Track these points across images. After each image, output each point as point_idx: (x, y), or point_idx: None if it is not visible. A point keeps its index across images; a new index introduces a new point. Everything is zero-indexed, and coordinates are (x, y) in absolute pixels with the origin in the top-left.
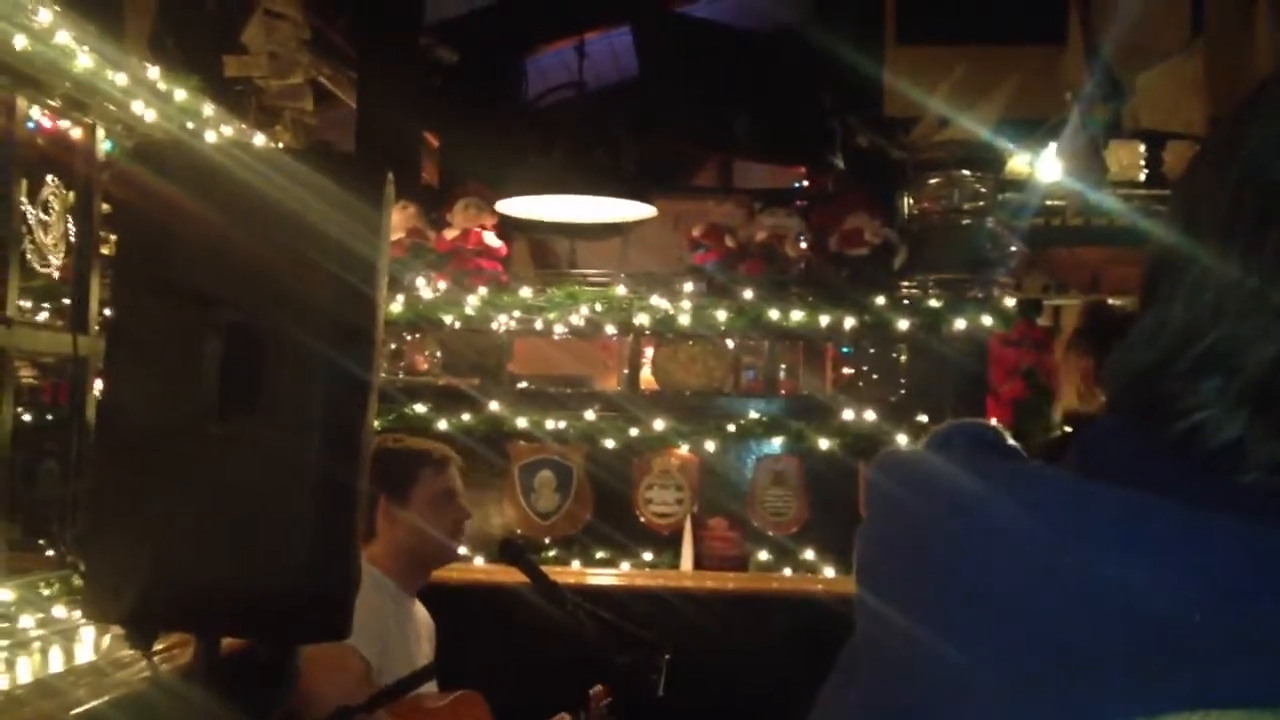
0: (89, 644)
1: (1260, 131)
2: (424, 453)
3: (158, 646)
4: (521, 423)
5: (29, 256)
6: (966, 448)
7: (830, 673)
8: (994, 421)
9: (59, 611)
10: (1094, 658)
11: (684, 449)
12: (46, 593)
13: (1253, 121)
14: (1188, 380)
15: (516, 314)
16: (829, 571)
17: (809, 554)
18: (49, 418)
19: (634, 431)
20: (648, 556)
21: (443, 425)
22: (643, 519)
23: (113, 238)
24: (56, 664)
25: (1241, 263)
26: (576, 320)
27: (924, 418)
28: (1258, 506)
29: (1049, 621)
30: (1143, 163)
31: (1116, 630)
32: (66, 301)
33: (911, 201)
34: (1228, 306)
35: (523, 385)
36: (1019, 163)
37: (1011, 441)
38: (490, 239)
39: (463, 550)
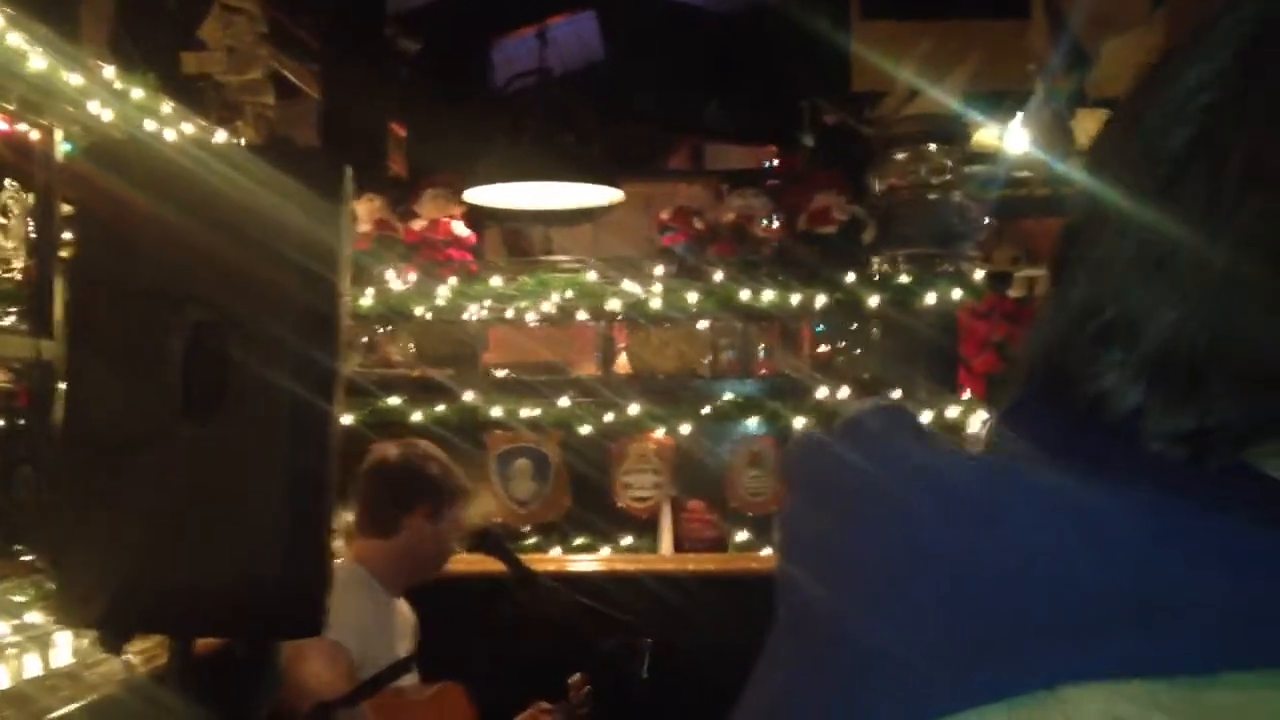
0: (65, 649)
1: (1159, 101)
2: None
3: (137, 649)
4: (496, 412)
5: None
6: (880, 430)
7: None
8: (904, 404)
9: (34, 617)
10: (1005, 630)
11: (660, 433)
12: (21, 599)
13: (1150, 92)
14: (1091, 351)
15: (488, 303)
16: None
17: None
18: (21, 423)
19: (609, 417)
20: (627, 541)
21: (417, 417)
22: (621, 504)
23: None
24: (34, 669)
25: (1139, 235)
26: (548, 307)
27: (897, 393)
28: (1163, 477)
29: (967, 593)
30: None
31: (1025, 603)
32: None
33: (879, 177)
34: (1127, 278)
35: (498, 374)
36: (986, 135)
37: (924, 423)
38: (458, 228)
39: None
